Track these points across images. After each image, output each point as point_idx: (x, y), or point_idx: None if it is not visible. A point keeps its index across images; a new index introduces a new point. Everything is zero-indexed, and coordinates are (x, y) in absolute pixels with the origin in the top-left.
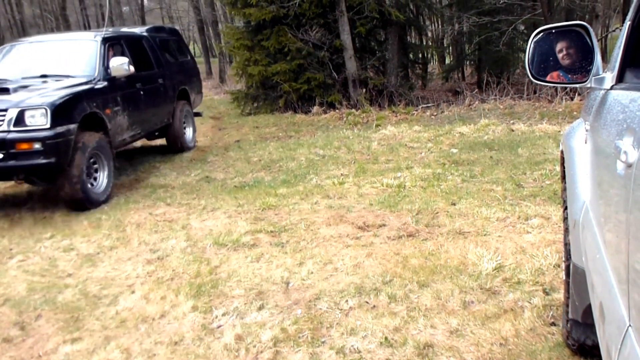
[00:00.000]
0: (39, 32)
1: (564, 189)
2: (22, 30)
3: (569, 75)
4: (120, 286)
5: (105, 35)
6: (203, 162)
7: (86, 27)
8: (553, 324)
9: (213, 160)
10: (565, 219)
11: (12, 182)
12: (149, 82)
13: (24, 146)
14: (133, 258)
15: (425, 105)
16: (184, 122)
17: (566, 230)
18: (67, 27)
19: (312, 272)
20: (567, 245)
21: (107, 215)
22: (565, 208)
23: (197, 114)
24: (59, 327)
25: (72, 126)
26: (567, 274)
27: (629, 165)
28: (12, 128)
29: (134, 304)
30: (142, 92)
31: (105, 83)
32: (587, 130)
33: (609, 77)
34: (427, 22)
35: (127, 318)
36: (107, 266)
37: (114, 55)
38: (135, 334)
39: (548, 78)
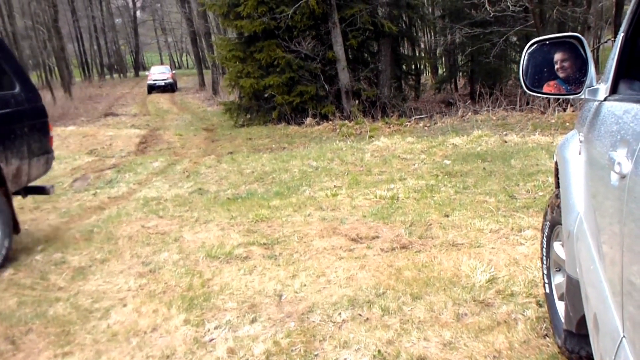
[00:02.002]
0: (31, 45)
1: (555, 204)
2: (14, 42)
3: (563, 87)
4: (112, 299)
5: None
6: (196, 174)
7: (78, 38)
8: (547, 336)
9: (206, 172)
10: (543, 229)
11: None
12: None
13: None
14: (125, 271)
15: (418, 117)
16: None
17: (547, 242)
18: (59, 39)
19: (305, 285)
20: (547, 258)
21: (98, 228)
22: (546, 218)
23: (37, 191)
24: (50, 341)
25: None
26: (550, 286)
27: (623, 177)
28: None
29: (126, 318)
30: None
31: None
32: (581, 142)
33: (603, 89)
34: (420, 34)
35: (118, 332)
36: (99, 279)
37: None
38: (126, 348)
39: (542, 89)
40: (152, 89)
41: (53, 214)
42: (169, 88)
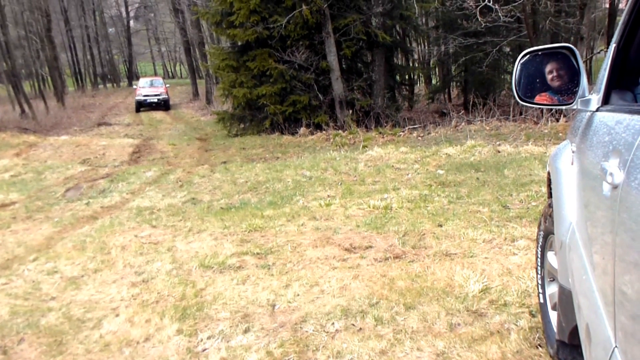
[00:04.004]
0: (24, 54)
1: (548, 213)
2: (7, 52)
3: (555, 97)
4: (105, 309)
5: None
6: (189, 183)
7: (71, 48)
8: (540, 346)
9: (199, 182)
10: (537, 238)
11: None
12: None
13: None
14: (118, 281)
15: (411, 127)
16: None
17: (542, 252)
18: (52, 49)
19: (298, 295)
20: (541, 267)
21: (91, 238)
22: (540, 228)
23: None
24: (42, 351)
25: None
26: (544, 296)
27: (615, 187)
28: None
29: (118, 328)
30: None
31: None
32: (573, 152)
33: (595, 99)
34: (414, 44)
35: (111, 342)
36: (92, 289)
37: None
38: (119, 358)
39: (535, 100)
40: (141, 105)
41: (46, 224)
42: (162, 105)
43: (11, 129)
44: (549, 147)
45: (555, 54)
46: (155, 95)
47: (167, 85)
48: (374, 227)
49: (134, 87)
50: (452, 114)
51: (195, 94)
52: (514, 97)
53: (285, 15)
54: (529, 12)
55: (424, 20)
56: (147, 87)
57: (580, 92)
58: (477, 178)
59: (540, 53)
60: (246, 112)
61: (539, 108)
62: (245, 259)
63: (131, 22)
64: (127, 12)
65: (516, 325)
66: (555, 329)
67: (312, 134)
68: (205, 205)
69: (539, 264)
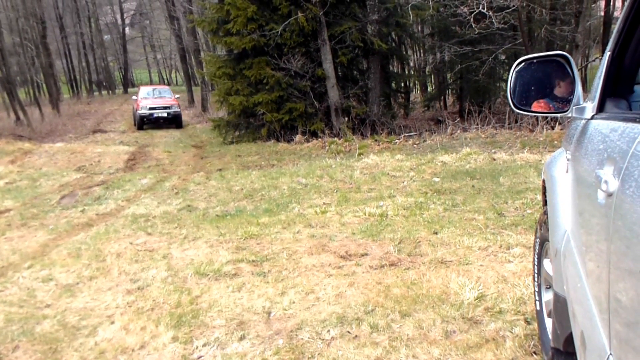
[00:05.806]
0: (19, 61)
1: (543, 221)
2: (1, 59)
3: (551, 105)
4: (100, 317)
5: None
6: (185, 191)
7: (67, 55)
8: (535, 353)
9: (195, 189)
10: (534, 246)
11: None
12: None
13: None
14: (113, 288)
15: (407, 134)
16: None
17: (539, 259)
18: (48, 56)
19: (293, 302)
20: (538, 275)
21: (86, 245)
22: (536, 235)
23: None
24: (37, 359)
25: None
26: (540, 303)
27: (610, 195)
28: None
29: (114, 335)
30: None
31: None
32: (568, 160)
33: (590, 107)
34: (409, 52)
35: (106, 349)
36: (87, 296)
37: None
38: None
39: (530, 107)
40: (144, 122)
41: (41, 231)
42: (173, 121)
43: (6, 136)
44: (544, 154)
45: (551, 61)
46: (165, 108)
47: (177, 96)
48: (370, 235)
49: (133, 97)
50: (448, 122)
51: (191, 101)
52: (509, 105)
53: (281, 22)
54: (524, 20)
55: (419, 27)
56: (152, 98)
57: (575, 100)
58: (473, 186)
59: (535, 61)
60: (242, 120)
61: (534, 116)
62: (241, 266)
63: (126, 29)
64: (123, 19)
65: (511, 332)
66: (550, 336)
67: (308, 141)
68: (201, 212)
69: (536, 271)
